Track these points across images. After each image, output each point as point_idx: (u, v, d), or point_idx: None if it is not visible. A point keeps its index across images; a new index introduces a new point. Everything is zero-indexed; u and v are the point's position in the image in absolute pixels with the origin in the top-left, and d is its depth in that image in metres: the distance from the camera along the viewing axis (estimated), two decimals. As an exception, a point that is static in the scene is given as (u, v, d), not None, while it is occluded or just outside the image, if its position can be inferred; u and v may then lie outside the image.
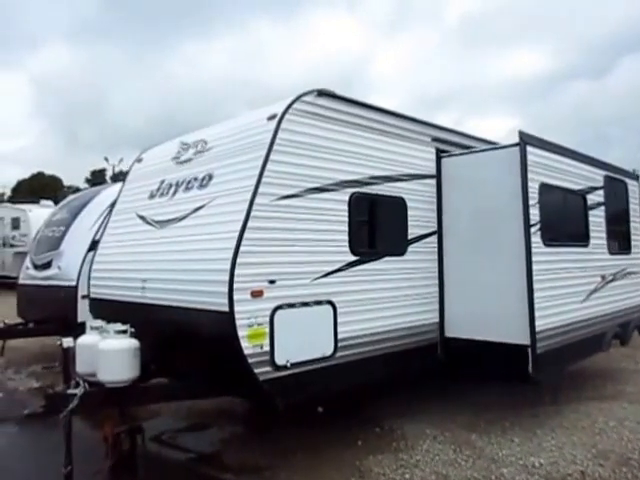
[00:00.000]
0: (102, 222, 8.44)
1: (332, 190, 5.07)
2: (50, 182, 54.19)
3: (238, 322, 4.20)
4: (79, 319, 8.01)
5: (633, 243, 8.38)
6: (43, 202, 21.25)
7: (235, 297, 4.19)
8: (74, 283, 8.25)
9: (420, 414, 6.04)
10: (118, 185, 9.52)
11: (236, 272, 4.21)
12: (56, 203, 20.03)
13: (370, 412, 6.14)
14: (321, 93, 5.07)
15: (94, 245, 8.08)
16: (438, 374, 6.35)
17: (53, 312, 8.55)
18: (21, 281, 9.68)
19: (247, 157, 4.72)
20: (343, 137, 5.26)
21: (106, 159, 50.90)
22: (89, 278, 6.34)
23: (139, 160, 6.56)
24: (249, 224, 4.34)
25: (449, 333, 6.16)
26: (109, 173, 53.78)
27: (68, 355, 4.67)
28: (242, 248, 4.27)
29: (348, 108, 5.35)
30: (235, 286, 4.20)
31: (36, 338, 9.80)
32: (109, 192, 9.32)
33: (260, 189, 4.44)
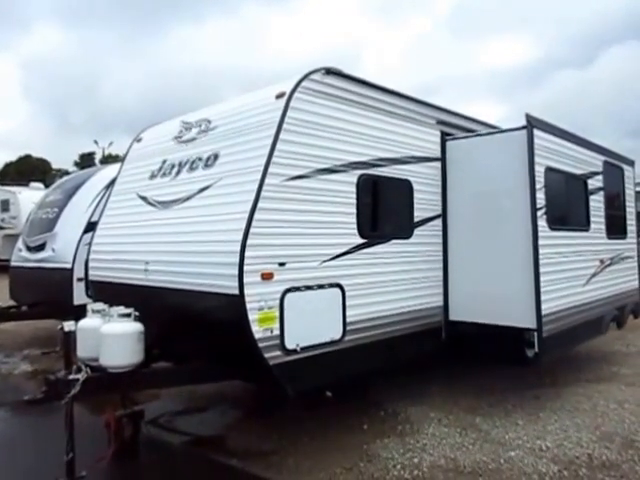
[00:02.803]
0: (97, 204, 8.32)
1: (341, 171, 4.98)
2: (38, 165, 53.47)
3: (248, 305, 4.11)
4: (75, 302, 7.92)
5: (628, 228, 8.43)
6: (33, 184, 20.99)
7: (245, 280, 4.10)
8: (69, 265, 8.12)
9: (421, 397, 6.04)
10: (113, 166, 9.39)
11: (246, 254, 4.11)
12: (46, 186, 19.80)
13: (371, 395, 6.12)
14: (329, 71, 4.95)
15: (90, 227, 7.97)
16: (440, 357, 6.35)
17: (48, 295, 8.42)
18: (14, 263, 9.50)
19: (255, 136, 4.59)
20: (350, 117, 5.16)
21: (96, 142, 50.28)
22: (87, 260, 6.21)
23: (138, 140, 6.40)
24: (259, 205, 4.23)
25: (453, 316, 6.14)
26: (98, 156, 53.24)
27: (69, 339, 4.55)
28: (252, 229, 4.17)
29: (355, 88, 5.24)
30: (245, 268, 4.10)
31: (28, 321, 9.70)
32: (104, 173, 9.18)
33: (270, 169, 4.33)
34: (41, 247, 8.78)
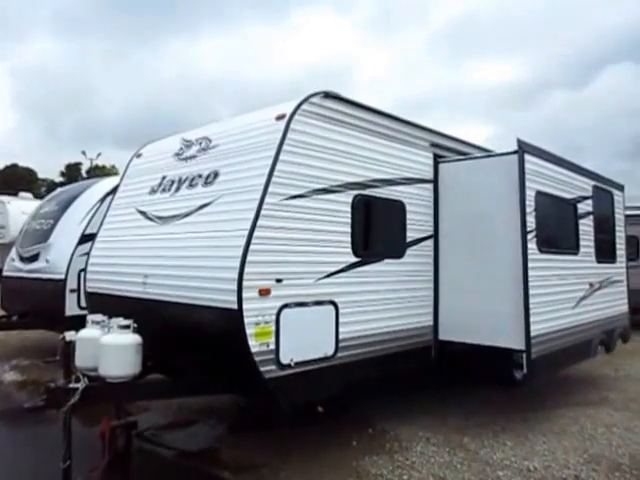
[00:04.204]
0: (92, 216, 8.38)
1: (337, 192, 5.10)
2: (25, 174, 53.20)
3: (246, 320, 4.20)
4: (67, 313, 7.94)
5: (617, 252, 8.56)
6: (22, 194, 20.80)
7: (244, 295, 4.19)
8: (62, 277, 8.13)
9: (410, 416, 6.09)
10: (108, 180, 9.49)
11: (245, 270, 4.21)
12: (35, 196, 19.72)
13: (360, 412, 6.16)
14: (327, 95, 5.10)
15: (84, 239, 8.04)
16: (430, 376, 6.42)
17: (39, 305, 8.43)
18: (6, 273, 9.48)
19: (256, 156, 4.71)
20: (347, 139, 5.29)
21: (83, 153, 49.99)
22: (85, 272, 6.26)
23: (138, 155, 6.49)
24: (259, 222, 4.34)
25: (443, 336, 6.22)
26: (84, 167, 53.13)
27: (70, 349, 4.61)
28: (252, 246, 4.27)
29: (352, 111, 5.38)
30: (244, 284, 4.20)
31: (17, 331, 9.69)
32: (99, 186, 9.23)
33: (270, 188, 4.45)
34: (35, 257, 8.78)
